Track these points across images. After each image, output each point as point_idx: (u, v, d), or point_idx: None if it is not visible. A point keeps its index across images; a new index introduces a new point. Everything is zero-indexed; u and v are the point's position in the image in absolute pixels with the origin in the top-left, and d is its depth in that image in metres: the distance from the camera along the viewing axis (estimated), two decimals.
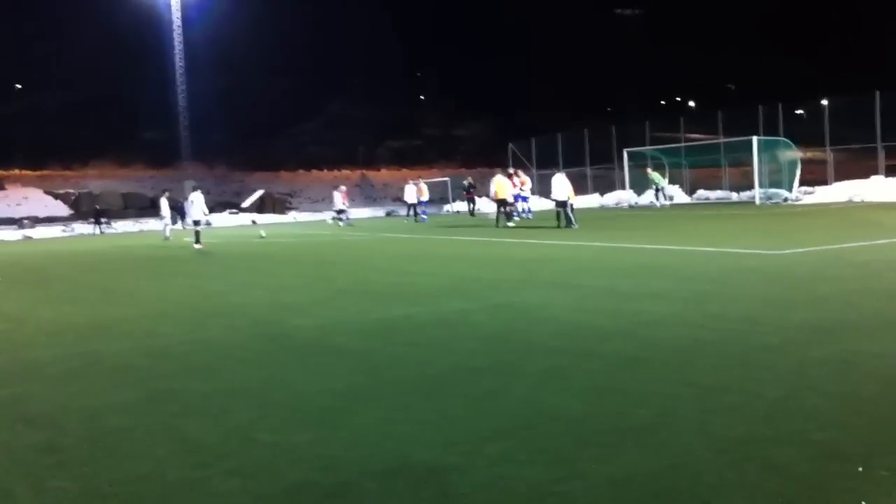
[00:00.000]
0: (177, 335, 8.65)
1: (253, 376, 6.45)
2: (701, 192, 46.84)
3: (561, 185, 24.69)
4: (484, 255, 17.15)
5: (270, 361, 7.02)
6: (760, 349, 6.43)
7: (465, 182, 42.69)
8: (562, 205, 24.51)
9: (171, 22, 54.69)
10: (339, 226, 36.43)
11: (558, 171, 26.64)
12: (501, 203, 28.99)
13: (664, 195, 41.74)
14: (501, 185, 29.28)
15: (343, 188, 40.15)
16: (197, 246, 23.77)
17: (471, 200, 42.29)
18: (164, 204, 32.95)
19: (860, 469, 3.82)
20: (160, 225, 34.28)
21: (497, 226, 25.97)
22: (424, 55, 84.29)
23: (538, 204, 37.03)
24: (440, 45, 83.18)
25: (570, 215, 24.31)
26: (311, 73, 78.99)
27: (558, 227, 24.00)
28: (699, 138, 48.80)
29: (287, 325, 8.87)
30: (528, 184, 34.80)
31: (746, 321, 7.64)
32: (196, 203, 25.49)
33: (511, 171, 36.26)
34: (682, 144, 47.56)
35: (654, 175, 41.59)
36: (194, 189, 27.89)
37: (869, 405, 4.84)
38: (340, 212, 38.55)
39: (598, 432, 4.58)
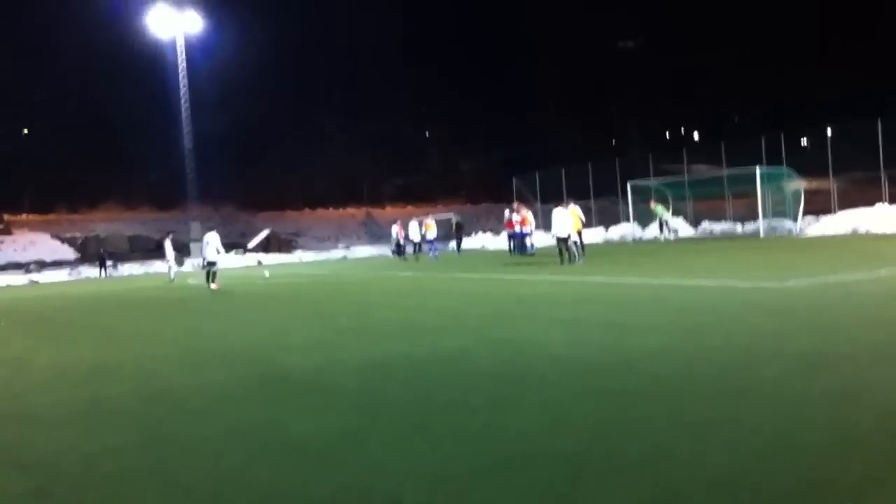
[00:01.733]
0: (176, 377, 8.64)
1: (249, 418, 6.43)
2: (705, 225, 46.80)
3: (561, 219, 24.27)
4: (486, 292, 17.15)
5: (268, 402, 7.01)
6: (757, 382, 6.41)
7: (454, 220, 42.94)
8: (562, 241, 24.02)
9: (175, 64, 55.19)
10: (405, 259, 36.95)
11: (560, 205, 26.23)
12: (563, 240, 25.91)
13: (668, 228, 41.73)
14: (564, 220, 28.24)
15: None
16: (213, 286, 23.87)
17: (458, 239, 42.50)
18: (168, 246, 33.08)
19: None
20: (165, 267, 34.39)
21: (562, 263, 23.52)
22: (428, 91, 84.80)
23: (542, 239, 36.98)
24: (444, 80, 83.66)
25: (576, 250, 23.92)
26: (316, 110, 79.60)
27: (561, 263, 23.53)
28: (703, 170, 48.93)
29: (286, 366, 8.85)
30: (531, 219, 34.79)
31: (745, 354, 7.61)
32: (211, 243, 25.41)
33: (515, 206, 36.39)
34: (686, 177, 47.67)
35: (658, 208, 41.58)
36: (210, 230, 28.03)
37: (864, 439, 4.80)
38: (400, 246, 38.79)
39: (592, 469, 4.56)
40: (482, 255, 39.55)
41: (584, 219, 30.14)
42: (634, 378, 6.88)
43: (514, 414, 5.93)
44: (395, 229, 39.36)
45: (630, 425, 5.42)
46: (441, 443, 5.29)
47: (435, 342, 9.88)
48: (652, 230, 43.95)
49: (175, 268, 33.15)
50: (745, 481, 4.20)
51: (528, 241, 33.96)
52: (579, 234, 28.41)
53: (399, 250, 38.87)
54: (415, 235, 39.19)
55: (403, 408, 6.39)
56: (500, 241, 47.15)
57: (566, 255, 23.61)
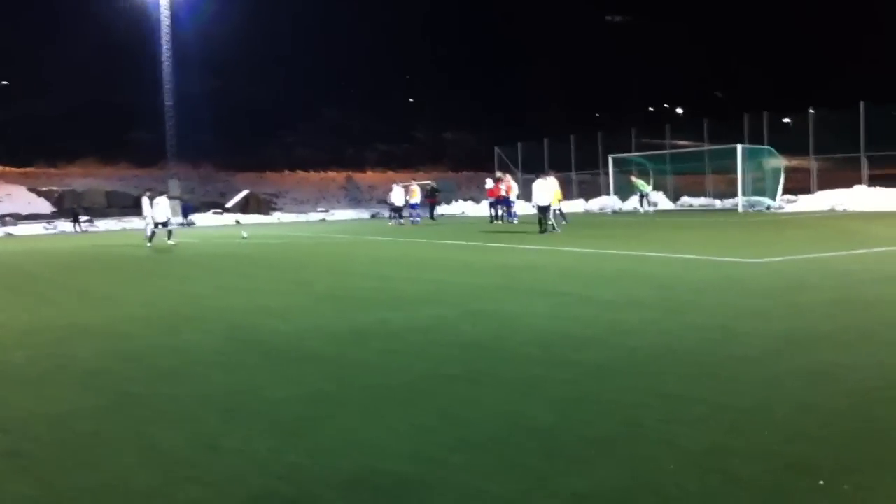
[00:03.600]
0: (151, 339, 8.58)
1: (223, 382, 6.39)
2: (685, 199, 46.99)
3: (541, 189, 24.59)
4: (465, 260, 17.12)
5: (242, 367, 6.97)
6: (734, 359, 6.43)
7: (429, 186, 43.04)
8: (543, 210, 24.38)
9: (159, 21, 54.45)
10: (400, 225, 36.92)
11: (540, 175, 26.49)
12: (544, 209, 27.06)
13: (648, 202, 41.89)
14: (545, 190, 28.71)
15: (403, 184, 40.84)
16: (171, 242, 26.54)
17: (433, 205, 42.63)
18: (145, 203, 32.81)
19: (821, 483, 3.82)
20: (143, 224, 34.14)
21: (541, 232, 24.05)
22: (414, 59, 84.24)
23: (523, 208, 37.00)
24: (430, 49, 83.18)
25: (553, 221, 24.27)
26: (299, 75, 78.76)
27: (540, 231, 23.90)
28: (685, 145, 49.04)
29: (261, 330, 8.80)
30: (515, 189, 34.92)
31: (722, 331, 7.64)
32: (161, 205, 27.46)
33: (498, 175, 36.55)
34: (668, 151, 47.75)
35: (639, 182, 41.81)
36: (160, 193, 29.61)
37: (839, 418, 4.84)
38: (412, 207, 39.07)
39: (566, 444, 4.56)
40: (462, 222, 39.50)
41: (559, 192, 30.57)
42: (611, 352, 6.90)
43: (491, 386, 5.92)
44: (399, 192, 39.24)
45: (605, 399, 5.43)
46: (416, 414, 5.27)
47: (413, 311, 9.87)
48: (632, 202, 44.05)
49: (152, 225, 32.94)
50: (716, 457, 4.22)
51: (511, 209, 34.25)
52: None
53: (398, 215, 38.97)
54: (399, 200, 39.16)
55: (379, 377, 6.37)
56: (479, 209, 47.27)
57: (546, 225, 23.93)
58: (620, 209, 45.22)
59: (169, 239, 26.80)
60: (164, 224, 27.13)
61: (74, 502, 3.97)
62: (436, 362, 6.81)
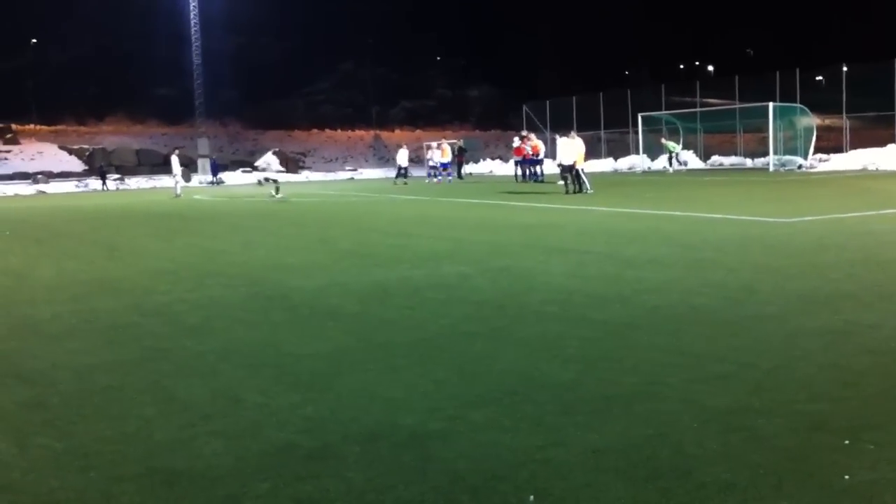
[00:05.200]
0: (175, 294, 8.64)
1: (246, 337, 6.44)
2: (715, 158, 46.56)
3: (566, 148, 24.27)
4: (488, 218, 17.09)
5: (264, 322, 7.01)
6: (756, 318, 6.39)
7: (457, 145, 43.21)
8: (567, 169, 24.04)
9: None
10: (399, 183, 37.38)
11: (565, 134, 26.23)
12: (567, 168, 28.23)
13: (679, 161, 41.50)
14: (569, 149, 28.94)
15: (434, 143, 41.69)
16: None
17: (460, 164, 42.71)
18: (175, 161, 33.08)
19: (846, 442, 3.78)
20: (172, 182, 34.42)
21: (567, 192, 23.76)
22: (439, 15, 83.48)
23: (551, 167, 36.83)
24: (454, 4, 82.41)
25: (583, 179, 23.95)
26: (324, 33, 78.45)
27: (566, 192, 23.56)
28: (715, 104, 48.47)
29: (284, 287, 8.85)
30: (542, 148, 34.79)
31: (745, 290, 7.58)
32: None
33: (524, 134, 36.39)
34: (698, 110, 47.19)
35: (669, 143, 41.48)
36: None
37: (860, 377, 4.79)
38: (443, 167, 39.34)
39: (584, 400, 4.55)
40: (489, 181, 39.40)
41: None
42: (632, 310, 6.87)
43: (510, 344, 5.92)
44: (404, 153, 39.74)
45: (625, 357, 5.40)
46: (435, 370, 5.28)
47: (435, 268, 9.87)
48: (661, 162, 43.69)
49: (182, 183, 33.26)
50: (738, 416, 4.19)
51: (538, 169, 34.13)
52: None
53: (434, 173, 39.34)
54: (403, 161, 40.07)
55: (399, 334, 6.38)
56: (507, 168, 46.90)
57: (571, 185, 23.65)
58: (650, 168, 44.86)
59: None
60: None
61: (97, 454, 4.00)
62: (455, 319, 6.81)
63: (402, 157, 39.99)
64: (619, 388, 4.75)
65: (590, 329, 6.25)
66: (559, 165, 24.66)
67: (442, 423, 4.25)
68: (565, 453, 3.79)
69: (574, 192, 23.26)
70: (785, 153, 38.82)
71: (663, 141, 41.74)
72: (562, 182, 24.33)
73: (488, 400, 4.61)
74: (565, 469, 3.62)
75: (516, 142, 36.84)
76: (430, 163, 40.33)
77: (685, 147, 46.26)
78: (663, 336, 5.94)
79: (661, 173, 40.31)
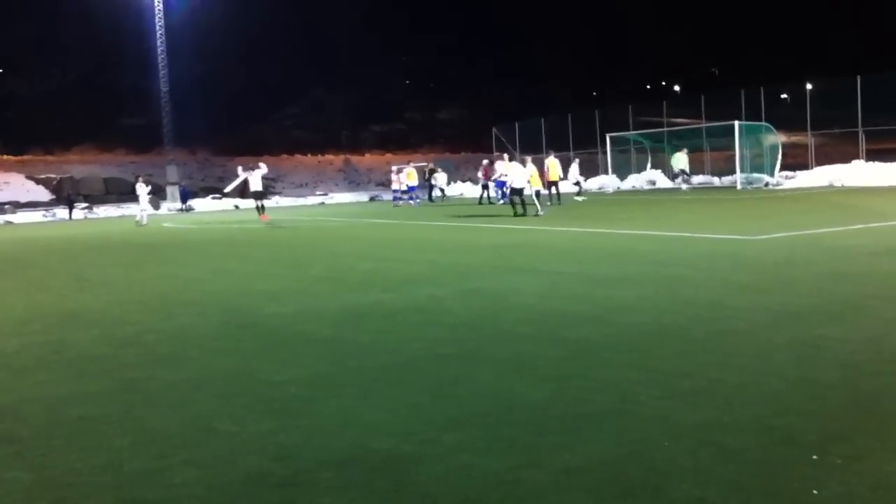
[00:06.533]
0: (146, 323, 8.59)
1: (218, 365, 6.41)
2: (684, 177, 46.93)
3: (517, 172, 24.65)
4: (461, 240, 17.14)
5: (237, 350, 6.98)
6: (726, 334, 6.46)
7: (427, 167, 43.83)
8: (515, 192, 24.26)
9: (152, 6, 54.27)
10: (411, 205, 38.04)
11: (515, 158, 26.79)
12: (553, 184, 31.04)
13: (685, 179, 39.65)
14: (554, 166, 31.55)
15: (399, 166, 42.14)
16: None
17: (430, 187, 43.04)
18: (139, 189, 32.94)
19: (815, 456, 3.83)
20: (138, 210, 34.24)
21: (515, 215, 23.71)
22: (407, 39, 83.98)
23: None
24: (422, 29, 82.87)
25: (534, 201, 24.20)
26: (293, 58, 78.58)
27: (514, 214, 23.60)
28: (682, 122, 48.99)
29: (257, 314, 8.82)
30: (499, 172, 35.30)
31: (715, 306, 7.67)
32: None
33: (485, 162, 37.16)
34: (665, 129, 47.67)
35: (676, 158, 39.74)
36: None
37: (829, 391, 4.86)
38: (409, 190, 39.79)
39: (557, 420, 4.58)
40: (459, 203, 39.52)
41: (560, 171, 31.35)
42: (604, 329, 6.92)
43: (483, 365, 5.94)
44: (401, 176, 40.02)
45: (597, 376, 5.45)
46: (409, 393, 5.29)
47: (409, 291, 9.89)
48: (630, 181, 43.99)
49: (148, 210, 33.11)
50: (708, 431, 4.24)
51: (504, 191, 34.52)
52: (556, 184, 29.75)
53: (400, 196, 40.11)
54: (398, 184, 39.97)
55: (372, 358, 6.38)
56: (477, 190, 47.10)
57: (518, 208, 23.92)
58: (619, 188, 45.17)
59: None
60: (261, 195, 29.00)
61: (69, 486, 3.97)
62: (429, 342, 6.82)
63: (414, 176, 40.26)
64: (591, 406, 4.78)
65: (562, 348, 6.29)
66: (510, 189, 25.03)
67: (416, 447, 4.26)
68: (538, 474, 3.81)
69: (520, 215, 23.31)
70: (752, 171, 39.23)
71: (677, 154, 39.90)
72: (512, 205, 24.45)
73: (462, 422, 4.62)
74: (539, 490, 3.64)
75: (485, 164, 37.32)
76: (395, 186, 40.63)
77: (653, 166, 46.59)
78: (634, 354, 5.99)
79: (635, 192, 40.48)
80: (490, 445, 4.22)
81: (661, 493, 3.52)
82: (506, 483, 3.73)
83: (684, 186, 39.18)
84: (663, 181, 45.95)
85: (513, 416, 4.69)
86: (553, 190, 31.00)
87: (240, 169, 28.70)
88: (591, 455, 4.01)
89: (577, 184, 36.58)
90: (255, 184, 27.97)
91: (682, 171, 39.56)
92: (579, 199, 33.64)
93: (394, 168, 42.85)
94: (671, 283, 9.34)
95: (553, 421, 4.56)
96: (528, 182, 24.67)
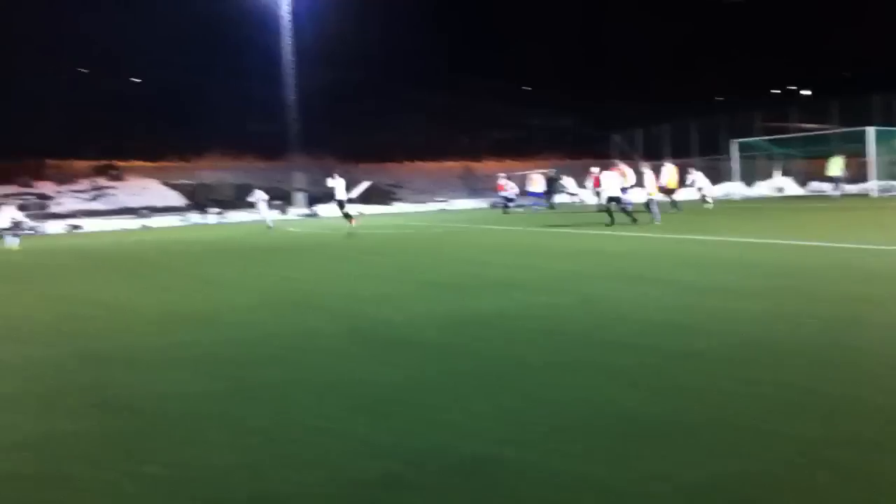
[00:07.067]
0: (268, 325, 8.85)
1: (320, 365, 6.60)
2: (814, 184, 45.39)
3: (609, 180, 24.35)
4: (573, 247, 17.03)
5: (341, 351, 7.15)
6: (838, 350, 6.22)
7: (549, 174, 43.86)
8: (610, 200, 24.01)
9: (279, 18, 56.04)
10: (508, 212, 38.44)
11: (609, 167, 26.29)
12: (671, 192, 30.90)
13: (839, 186, 37.32)
14: (671, 173, 31.47)
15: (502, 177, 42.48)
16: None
17: (550, 193, 42.94)
18: (256, 197, 34.37)
19: None
20: (264, 216, 35.42)
21: (608, 224, 23.48)
22: (527, 47, 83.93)
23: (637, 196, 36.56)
24: (543, 35, 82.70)
25: (629, 210, 23.88)
26: (416, 67, 79.52)
27: (608, 224, 23.33)
28: (812, 128, 47.31)
29: (364, 317, 8.98)
30: (629, 176, 34.71)
31: (831, 320, 7.40)
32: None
33: (594, 170, 36.88)
34: (794, 135, 46.19)
35: (835, 161, 37.55)
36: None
37: None
38: (509, 200, 40.32)
39: (656, 430, 4.52)
40: (579, 209, 39.23)
41: (677, 178, 30.82)
42: (709, 340, 6.77)
43: (581, 373, 5.91)
44: (510, 184, 40.25)
45: (702, 388, 5.34)
46: (505, 399, 5.30)
47: (510, 297, 9.88)
48: (758, 189, 42.76)
49: (272, 216, 34.40)
50: (814, 447, 4.13)
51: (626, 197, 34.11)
52: (674, 191, 29.35)
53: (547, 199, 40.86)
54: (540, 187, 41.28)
55: (472, 362, 6.43)
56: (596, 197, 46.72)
57: (611, 216, 23.66)
58: (746, 196, 43.99)
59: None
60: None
61: (204, 481, 4.13)
62: (528, 348, 6.82)
63: (539, 183, 40.42)
64: (689, 417, 4.71)
65: (661, 358, 6.20)
66: (602, 195, 24.84)
67: (511, 451, 4.28)
68: (639, 483, 3.79)
69: (611, 224, 23.07)
70: (888, 178, 37.53)
71: (833, 159, 37.36)
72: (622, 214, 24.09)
73: (558, 428, 4.63)
74: (639, 500, 3.63)
75: (596, 171, 37.12)
76: (506, 193, 40.94)
77: (784, 173, 45.23)
78: (738, 366, 5.85)
79: (761, 199, 39.30)
80: (588, 453, 4.20)
81: None
82: (604, 491, 3.73)
83: (836, 193, 36.91)
84: (792, 188, 44.51)
85: (610, 424, 4.66)
86: (672, 197, 30.52)
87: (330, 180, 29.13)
88: (692, 467, 3.95)
89: (701, 189, 35.72)
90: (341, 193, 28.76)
91: (836, 178, 37.19)
92: (707, 205, 32.88)
93: (501, 175, 43.09)
94: (784, 294, 9.04)
95: (652, 431, 4.50)
96: (650, 190, 24.39)
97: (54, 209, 55.02)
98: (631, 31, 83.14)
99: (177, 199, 60.78)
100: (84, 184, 62.77)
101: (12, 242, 28.32)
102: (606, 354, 6.46)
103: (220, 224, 44.78)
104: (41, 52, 65.37)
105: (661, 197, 27.83)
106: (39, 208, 53.40)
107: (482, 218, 34.92)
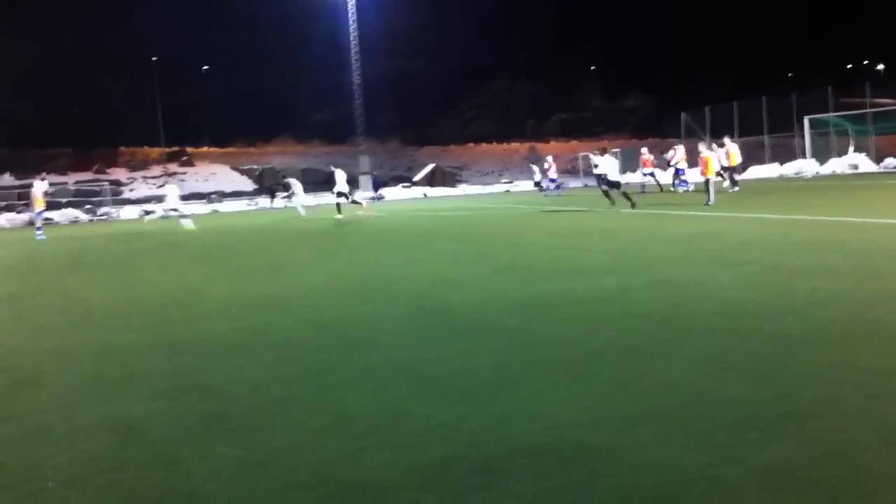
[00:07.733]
0: (339, 309, 8.92)
1: (409, 350, 6.57)
2: (889, 161, 44.11)
3: (608, 164, 24.24)
4: (645, 229, 16.77)
5: (427, 336, 7.13)
6: None
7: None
8: (610, 184, 23.89)
9: (346, 8, 56.42)
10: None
11: (606, 152, 25.83)
12: (732, 170, 31.44)
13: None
14: (732, 152, 31.68)
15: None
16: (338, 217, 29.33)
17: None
18: (295, 186, 34.53)
19: None
20: (334, 199, 35.64)
21: (711, 198, 22.91)
22: (592, 27, 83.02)
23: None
24: (607, 15, 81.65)
25: (628, 196, 23.41)
26: (479, 52, 79.35)
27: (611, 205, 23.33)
28: (887, 104, 45.93)
29: (446, 301, 8.96)
30: (677, 156, 34.31)
31: None
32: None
33: (646, 154, 36.43)
34: (868, 111, 44.90)
35: None
36: (337, 167, 32.15)
37: None
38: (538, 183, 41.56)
39: (756, 416, 4.38)
40: (644, 192, 38.70)
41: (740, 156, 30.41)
42: (805, 322, 6.59)
43: (675, 358, 5.78)
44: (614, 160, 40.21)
45: (799, 373, 5.18)
46: (598, 385, 5.22)
47: (595, 281, 9.76)
48: (830, 166, 41.67)
49: (304, 202, 34.67)
50: None
51: (681, 178, 33.71)
52: (734, 170, 29.08)
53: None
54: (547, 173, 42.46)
55: (559, 348, 6.34)
56: (664, 177, 45.95)
57: (610, 199, 23.78)
58: (818, 173, 42.96)
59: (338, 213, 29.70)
60: (345, 195, 29.81)
61: (273, 464, 4.15)
62: (617, 333, 6.71)
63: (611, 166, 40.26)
64: (793, 403, 4.56)
65: (760, 342, 6.03)
66: (602, 179, 24.65)
67: (608, 439, 4.20)
68: (737, 472, 3.68)
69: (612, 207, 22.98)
70: None
71: None
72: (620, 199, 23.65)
73: (655, 415, 4.52)
74: (737, 488, 3.52)
75: (645, 153, 36.68)
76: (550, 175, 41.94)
77: (856, 150, 43.98)
78: (839, 349, 5.67)
79: (832, 177, 38.33)
80: (685, 441, 4.10)
81: (873, 497, 3.32)
82: (703, 480, 3.62)
83: None
84: (867, 165, 43.32)
85: (708, 411, 4.54)
86: (733, 175, 30.24)
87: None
88: (793, 454, 3.82)
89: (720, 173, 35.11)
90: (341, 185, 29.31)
91: None
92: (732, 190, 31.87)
93: (548, 158, 43.39)
94: (875, 274, 8.77)
95: (752, 418, 4.37)
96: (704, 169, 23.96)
97: (127, 195, 56.21)
98: (704, 5, 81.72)
99: (245, 183, 61.60)
100: (156, 170, 63.98)
101: (187, 223, 28.73)
102: (702, 339, 6.30)
103: (287, 208, 45.19)
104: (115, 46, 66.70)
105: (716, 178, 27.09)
106: (113, 194, 54.60)
107: (548, 200, 34.64)
